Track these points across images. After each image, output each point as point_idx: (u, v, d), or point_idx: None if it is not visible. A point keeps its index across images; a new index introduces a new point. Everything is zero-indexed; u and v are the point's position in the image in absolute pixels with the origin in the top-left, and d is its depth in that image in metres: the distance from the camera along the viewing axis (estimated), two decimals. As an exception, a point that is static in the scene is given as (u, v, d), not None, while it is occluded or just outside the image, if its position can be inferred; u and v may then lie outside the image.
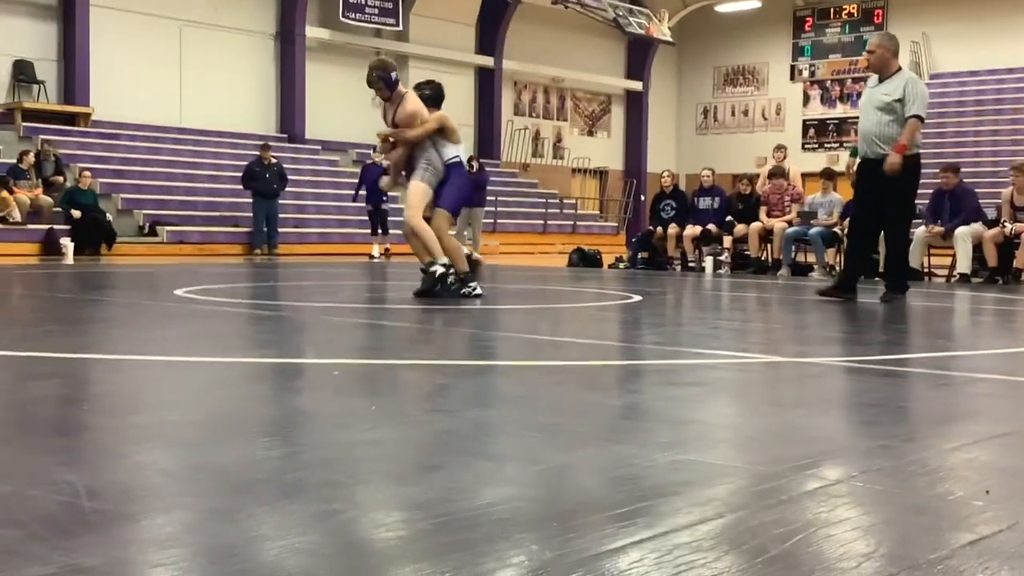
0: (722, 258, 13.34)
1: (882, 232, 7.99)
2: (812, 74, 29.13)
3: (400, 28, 23.49)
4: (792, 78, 29.41)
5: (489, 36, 25.72)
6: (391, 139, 7.25)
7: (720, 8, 28.62)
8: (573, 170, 28.54)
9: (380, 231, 17.11)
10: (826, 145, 28.56)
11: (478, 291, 7.30)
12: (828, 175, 13.15)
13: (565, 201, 25.08)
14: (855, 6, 28.17)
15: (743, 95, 30.28)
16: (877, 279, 11.70)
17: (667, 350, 4.76)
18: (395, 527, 1.78)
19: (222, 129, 20.82)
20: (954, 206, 11.65)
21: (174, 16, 20.35)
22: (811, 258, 13.04)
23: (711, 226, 13.52)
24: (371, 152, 18.04)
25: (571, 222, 24.15)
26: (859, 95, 28.07)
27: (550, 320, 6.64)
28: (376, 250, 17.13)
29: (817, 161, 25.32)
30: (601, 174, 29.39)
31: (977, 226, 11.47)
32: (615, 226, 25.80)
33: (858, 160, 7.88)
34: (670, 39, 27.69)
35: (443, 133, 7.24)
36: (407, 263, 10.26)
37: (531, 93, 27.83)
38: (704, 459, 2.34)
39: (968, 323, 7.35)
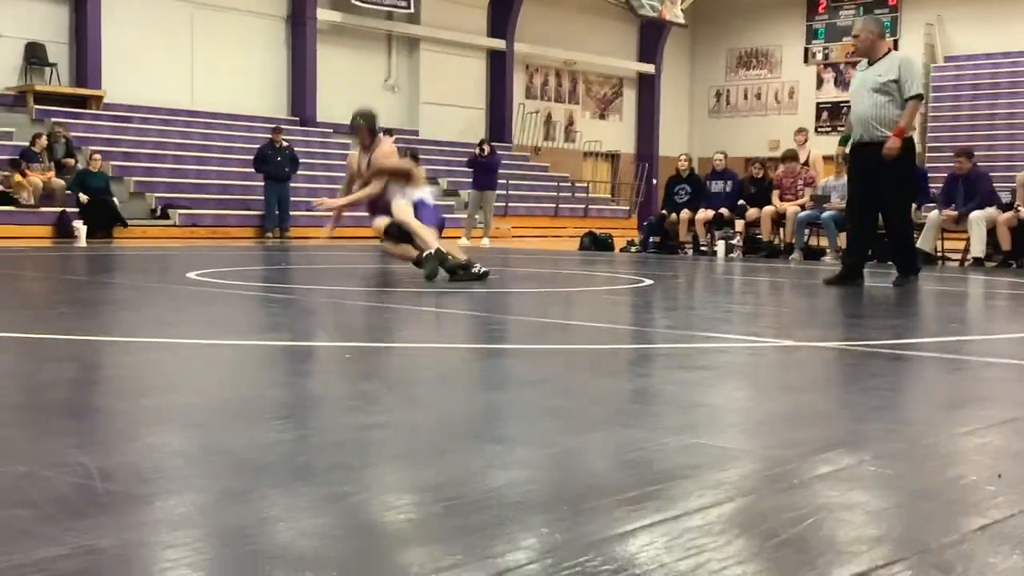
0: (734, 242, 13.30)
1: (881, 217, 7.90)
2: (826, 57, 28.96)
3: (411, 10, 23.42)
4: (806, 61, 29.25)
5: (501, 19, 25.63)
6: (364, 179, 7.85)
7: (733, -10, 28.46)
8: (585, 153, 28.47)
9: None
10: (839, 128, 28.34)
11: (484, 269, 7.48)
12: (841, 158, 13.08)
13: (577, 185, 25.03)
14: (869, -12, 27.98)
15: (756, 78, 30.13)
16: (890, 263, 11.69)
17: (678, 334, 4.75)
18: (406, 510, 1.79)
19: (234, 112, 20.82)
20: (968, 190, 11.58)
21: (186, -2, 20.36)
22: (823, 242, 12.98)
23: (723, 210, 13.48)
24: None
25: (583, 206, 24.11)
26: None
27: (561, 304, 6.64)
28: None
29: (830, 144, 25.18)
30: (613, 158, 29.31)
31: (991, 210, 11.41)
32: (627, 210, 25.74)
33: (850, 145, 7.82)
34: (683, 21, 27.55)
35: (411, 179, 7.80)
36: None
37: (543, 76, 27.74)
38: (715, 443, 2.34)
39: (981, 307, 7.32)
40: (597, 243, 15.21)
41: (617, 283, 8.37)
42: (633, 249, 14.50)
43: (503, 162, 19.62)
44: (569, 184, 24.59)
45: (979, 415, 2.77)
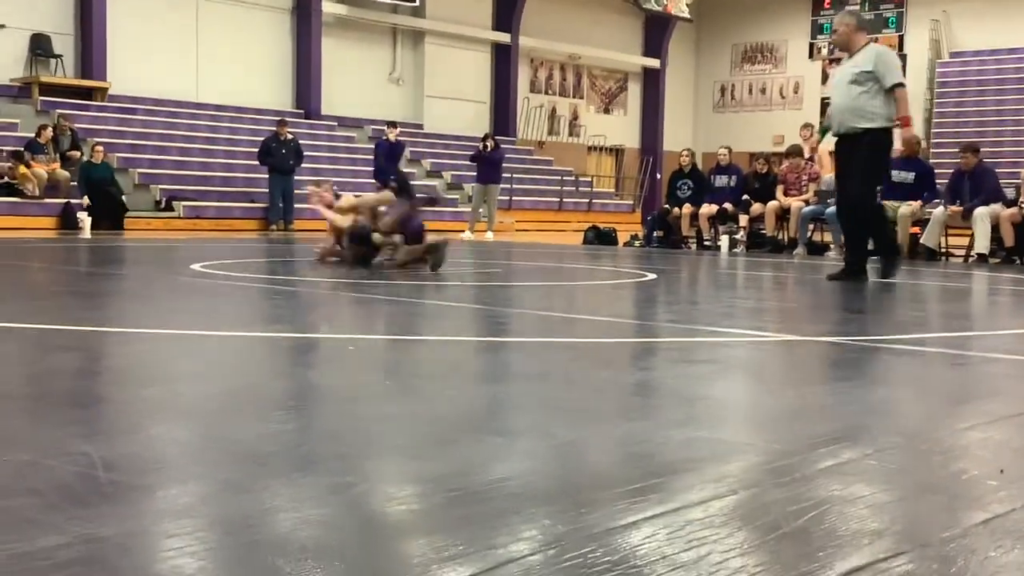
0: (738, 237, 13.29)
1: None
2: (831, 52, 28.88)
3: (416, 3, 23.40)
4: (811, 56, 29.19)
5: (506, 12, 25.60)
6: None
7: (739, -15, 28.41)
8: (589, 148, 28.44)
9: None
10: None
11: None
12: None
13: (581, 179, 25.01)
14: (875, -16, 27.92)
15: (761, 73, 30.09)
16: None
17: (681, 328, 4.75)
18: (408, 500, 1.79)
19: (238, 104, 20.81)
20: (974, 186, 11.56)
21: (191, -10, 20.35)
22: (828, 237, 12.97)
23: (727, 205, 13.47)
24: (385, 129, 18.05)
25: (587, 200, 24.09)
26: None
27: (565, 297, 6.64)
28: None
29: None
30: (617, 152, 29.28)
31: (996, 206, 11.39)
32: (631, 204, 25.72)
33: (832, 139, 7.88)
34: (688, 16, 27.51)
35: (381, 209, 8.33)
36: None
37: (547, 70, 27.71)
38: (717, 436, 2.34)
39: (985, 303, 7.31)
40: (601, 237, 15.20)
41: (621, 277, 8.37)
42: (637, 243, 14.49)
43: (507, 156, 19.60)
44: (573, 178, 24.58)
45: (982, 410, 2.77)
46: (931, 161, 18.38)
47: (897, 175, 12.14)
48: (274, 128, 17.74)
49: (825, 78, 28.94)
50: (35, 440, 2.15)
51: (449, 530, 1.59)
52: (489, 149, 17.23)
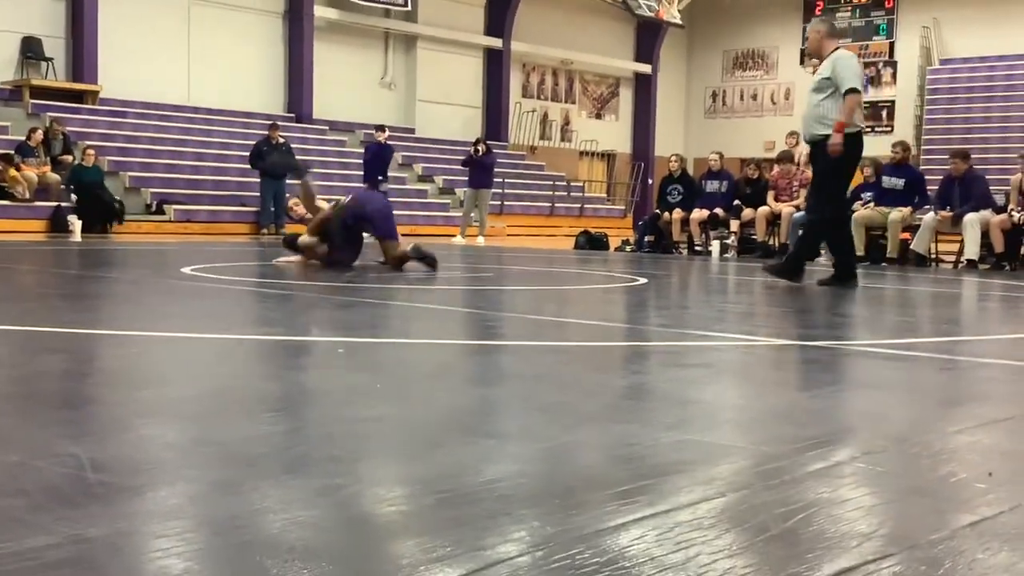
0: (729, 242, 13.32)
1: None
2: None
3: (408, 8, 23.39)
4: (802, 62, 29.23)
5: (498, 17, 25.61)
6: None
7: (730, -9, 28.49)
8: (581, 153, 28.47)
9: None
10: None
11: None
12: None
13: (572, 184, 25.02)
14: (866, -10, 28.02)
15: (752, 79, 30.16)
16: (884, 264, 11.71)
17: (672, 332, 4.76)
18: (397, 502, 1.79)
19: (230, 108, 20.78)
20: (963, 192, 11.61)
21: (182, -6, 20.33)
22: (818, 243, 12.97)
23: (718, 210, 13.50)
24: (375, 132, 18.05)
25: (578, 205, 24.10)
26: (869, 80, 28.07)
27: (556, 301, 6.64)
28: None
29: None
30: (609, 157, 29.31)
31: (986, 212, 11.43)
32: (622, 209, 25.74)
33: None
34: (680, 22, 27.55)
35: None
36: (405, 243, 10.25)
37: (539, 75, 27.73)
38: (707, 439, 2.34)
39: (974, 309, 7.34)
40: (592, 242, 15.22)
41: (612, 282, 8.38)
42: (628, 248, 14.52)
43: (499, 161, 19.61)
44: (565, 183, 24.59)
45: (971, 414, 2.78)
46: (921, 167, 18.49)
47: (887, 181, 12.19)
48: (266, 132, 17.72)
49: (816, 84, 29.03)
50: (24, 441, 2.14)
51: (438, 531, 1.59)
52: (481, 154, 17.23)
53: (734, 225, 13.39)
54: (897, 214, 11.79)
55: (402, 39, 24.19)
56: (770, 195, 13.15)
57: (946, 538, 1.63)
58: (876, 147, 21.48)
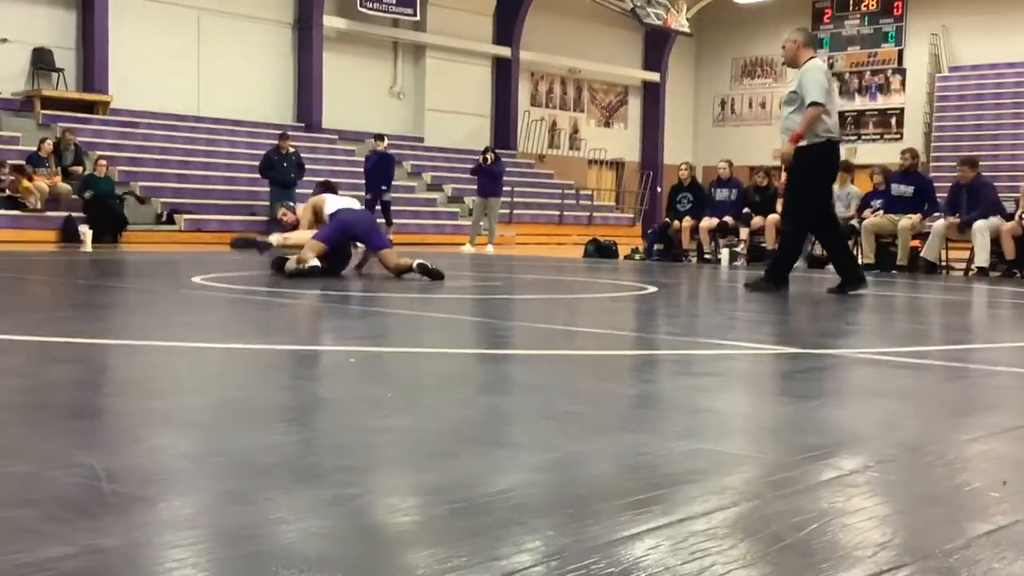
0: (738, 250, 13.30)
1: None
2: (831, 67, 28.94)
3: (417, 18, 23.46)
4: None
5: (506, 26, 25.67)
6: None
7: (739, -1, 28.52)
8: (589, 161, 28.49)
9: (385, 223, 17.07)
10: (845, 137, 28.42)
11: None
12: (846, 168, 13.09)
13: (581, 192, 25.05)
14: (875, -2, 28.02)
15: (761, 87, 30.16)
16: (894, 271, 11.69)
17: (682, 340, 4.75)
18: (410, 512, 1.79)
19: (240, 118, 20.86)
20: (971, 199, 11.57)
21: (192, 4, 20.40)
22: (828, 251, 12.94)
23: (728, 218, 13.48)
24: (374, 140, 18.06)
25: (587, 213, 24.12)
26: (878, 87, 28.07)
27: (566, 310, 6.64)
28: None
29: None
30: (617, 165, 29.33)
31: (995, 219, 11.39)
32: (631, 217, 25.75)
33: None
34: (688, 30, 27.57)
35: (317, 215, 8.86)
36: (414, 253, 10.28)
37: (548, 84, 27.77)
38: (719, 448, 2.34)
39: (986, 316, 7.31)
40: (601, 251, 15.21)
41: (621, 290, 8.38)
42: (637, 257, 14.50)
43: (507, 169, 19.63)
44: (573, 192, 24.61)
45: (984, 423, 2.77)
46: (931, 175, 18.43)
47: (896, 189, 12.17)
48: (275, 141, 17.77)
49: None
50: (37, 451, 2.15)
51: (452, 542, 1.59)
52: (489, 162, 17.25)
53: (744, 233, 13.37)
54: (907, 221, 11.76)
55: (411, 48, 24.26)
56: (779, 203, 13.12)
57: (961, 547, 1.62)
58: (885, 154, 21.48)
